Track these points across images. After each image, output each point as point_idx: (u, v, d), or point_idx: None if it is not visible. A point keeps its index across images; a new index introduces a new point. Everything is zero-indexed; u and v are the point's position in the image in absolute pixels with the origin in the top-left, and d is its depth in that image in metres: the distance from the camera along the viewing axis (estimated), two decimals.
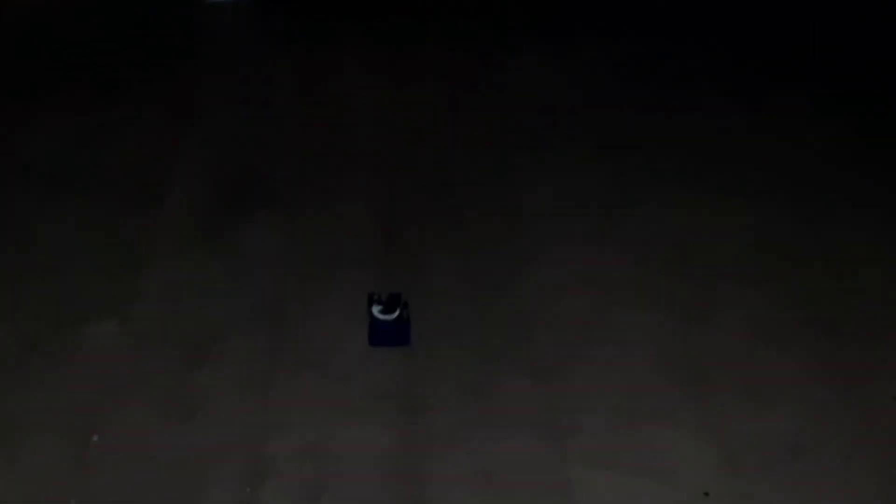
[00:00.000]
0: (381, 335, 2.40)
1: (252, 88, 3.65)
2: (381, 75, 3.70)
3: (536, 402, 2.28)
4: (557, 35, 4.02)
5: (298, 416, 2.23)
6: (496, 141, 3.32)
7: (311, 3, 4.20)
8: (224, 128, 3.39)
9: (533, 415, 2.25)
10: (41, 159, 3.17)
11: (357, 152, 3.25)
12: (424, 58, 3.84)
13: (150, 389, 2.29)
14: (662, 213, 2.96)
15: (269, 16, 4.17)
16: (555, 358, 2.41)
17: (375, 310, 2.40)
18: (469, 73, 3.75)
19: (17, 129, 3.32)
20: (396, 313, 2.40)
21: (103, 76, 3.65)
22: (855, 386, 2.34)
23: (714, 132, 3.37)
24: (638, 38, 3.96)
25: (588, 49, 3.89)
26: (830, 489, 2.08)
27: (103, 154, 3.19)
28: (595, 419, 2.23)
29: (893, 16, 4.00)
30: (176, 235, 2.82)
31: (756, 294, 2.63)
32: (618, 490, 2.07)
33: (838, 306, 2.59)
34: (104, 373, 2.33)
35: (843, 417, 2.25)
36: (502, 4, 4.29)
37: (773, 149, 3.29)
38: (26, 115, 3.40)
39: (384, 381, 2.33)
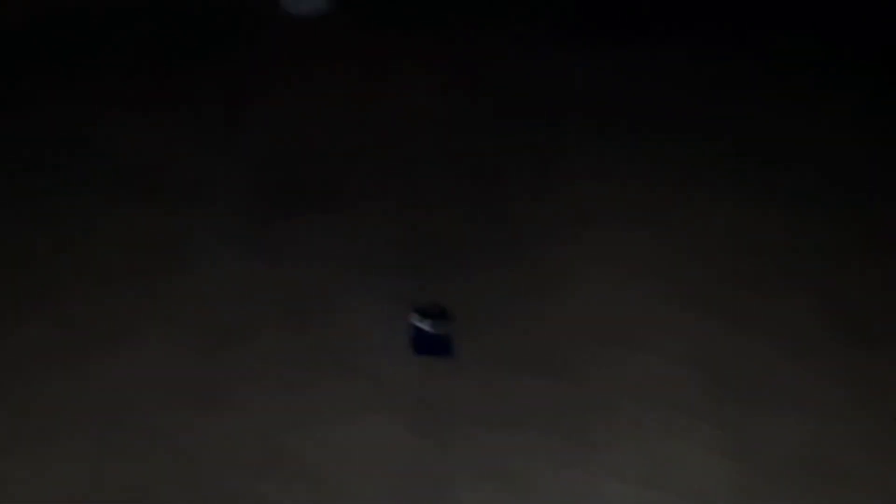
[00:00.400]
0: (425, 346, 2.45)
1: (306, 85, 3.73)
2: (436, 73, 3.74)
3: (564, 410, 2.29)
4: (605, 31, 4.01)
5: (324, 414, 2.29)
6: (544, 143, 3.34)
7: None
8: (275, 128, 3.48)
9: (559, 423, 2.26)
10: (105, 160, 3.29)
11: (408, 152, 3.31)
12: (481, 56, 3.87)
13: (183, 385, 2.37)
14: (706, 212, 2.96)
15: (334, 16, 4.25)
16: (588, 364, 2.42)
17: (419, 321, 2.45)
18: (522, 73, 3.77)
19: (86, 129, 3.46)
20: (438, 325, 2.45)
21: (171, 81, 3.77)
22: (885, 402, 2.27)
23: (764, 131, 3.31)
24: (685, 37, 3.91)
25: (637, 46, 3.87)
26: None
27: (157, 154, 3.32)
28: (618, 428, 2.24)
29: None
30: (219, 233, 2.90)
31: (792, 301, 2.60)
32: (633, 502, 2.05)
33: (874, 317, 2.53)
34: (141, 368, 2.42)
35: (869, 432, 2.20)
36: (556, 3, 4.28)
37: (824, 150, 3.23)
38: (94, 115, 3.55)
39: (416, 384, 2.38)
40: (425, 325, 2.45)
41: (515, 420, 2.25)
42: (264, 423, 2.25)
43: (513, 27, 4.12)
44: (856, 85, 3.56)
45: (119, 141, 3.36)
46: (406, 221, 2.94)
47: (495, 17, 4.19)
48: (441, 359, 2.43)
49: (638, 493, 2.07)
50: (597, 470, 2.13)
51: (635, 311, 2.59)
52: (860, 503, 2.04)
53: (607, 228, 2.90)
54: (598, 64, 3.79)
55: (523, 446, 2.18)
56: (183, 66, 3.83)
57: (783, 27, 3.98)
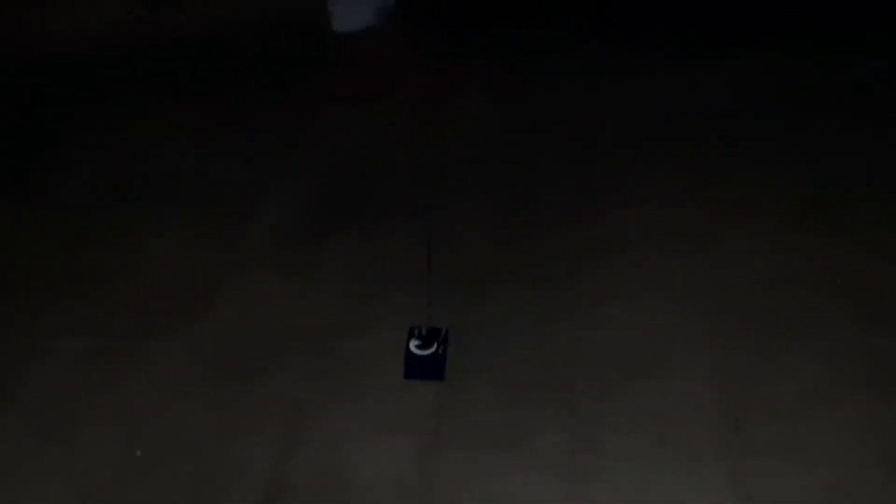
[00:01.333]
0: (416, 369, 2.47)
1: (364, 109, 3.77)
2: (496, 100, 3.72)
3: (561, 445, 2.27)
4: (647, 53, 3.87)
5: (325, 437, 2.36)
6: (583, 168, 3.27)
7: (442, 24, 4.32)
8: (328, 149, 3.56)
9: (555, 459, 2.24)
10: (156, 173, 3.47)
11: (455, 180, 3.29)
12: (542, 84, 3.81)
13: (197, 401, 2.49)
14: (751, 241, 2.82)
15: (398, 38, 4.29)
16: (591, 401, 2.38)
17: (413, 344, 2.46)
18: (560, 97, 3.69)
19: (140, 144, 3.64)
20: (432, 349, 2.44)
21: (224, 99, 3.91)
22: None
23: (834, 157, 3.13)
24: (732, 57, 3.76)
25: (677, 67, 3.74)
26: None
27: (211, 171, 3.47)
28: (619, 469, 2.19)
29: None
30: (255, 254, 3.03)
31: (831, 346, 2.44)
32: None
33: None
34: (160, 382, 2.56)
35: (890, 496, 2.07)
36: (622, 30, 4.17)
37: None
38: (151, 131, 3.71)
39: (414, 411, 2.40)
40: (412, 346, 2.45)
41: (520, 448, 2.26)
42: (266, 445, 2.34)
43: (554, 52, 4.04)
44: None
45: (176, 163, 3.51)
46: (437, 246, 2.90)
47: (542, 41, 4.11)
48: (432, 382, 2.44)
49: None
50: None
51: (658, 343, 2.51)
52: None
53: (641, 255, 2.82)
54: (638, 87, 3.67)
55: (518, 489, 2.18)
56: (248, 92, 3.98)
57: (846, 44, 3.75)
